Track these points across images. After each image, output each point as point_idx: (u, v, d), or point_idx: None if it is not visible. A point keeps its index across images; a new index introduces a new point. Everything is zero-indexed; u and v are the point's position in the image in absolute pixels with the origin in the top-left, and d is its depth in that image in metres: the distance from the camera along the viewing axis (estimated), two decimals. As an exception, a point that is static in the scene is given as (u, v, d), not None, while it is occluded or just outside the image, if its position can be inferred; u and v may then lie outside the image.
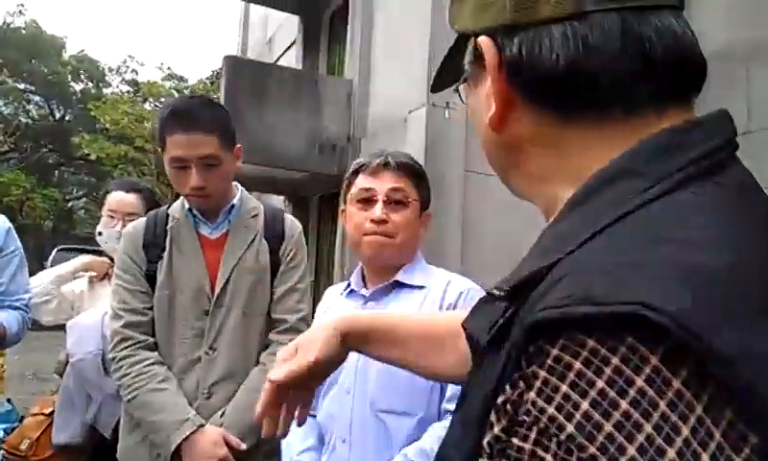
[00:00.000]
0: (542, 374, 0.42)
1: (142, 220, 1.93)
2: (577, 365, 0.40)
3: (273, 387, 0.93)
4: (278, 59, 10.81)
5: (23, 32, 23.90)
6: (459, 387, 1.29)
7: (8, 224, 2.01)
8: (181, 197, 1.90)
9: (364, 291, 1.58)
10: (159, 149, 1.82)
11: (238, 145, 1.87)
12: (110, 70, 26.65)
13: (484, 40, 0.57)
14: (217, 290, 1.80)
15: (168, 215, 1.90)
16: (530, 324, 0.43)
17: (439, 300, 1.51)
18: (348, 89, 7.79)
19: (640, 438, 0.37)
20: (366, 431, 1.44)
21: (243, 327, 1.81)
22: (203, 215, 1.87)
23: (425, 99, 6.00)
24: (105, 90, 25.38)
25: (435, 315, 1.30)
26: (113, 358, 1.79)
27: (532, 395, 0.42)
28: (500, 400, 0.45)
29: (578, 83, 0.53)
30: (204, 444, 1.66)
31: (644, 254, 0.44)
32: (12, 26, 23.98)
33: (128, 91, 25.03)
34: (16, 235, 2.04)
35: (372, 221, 1.51)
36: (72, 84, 25.47)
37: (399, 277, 1.55)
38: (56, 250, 11.06)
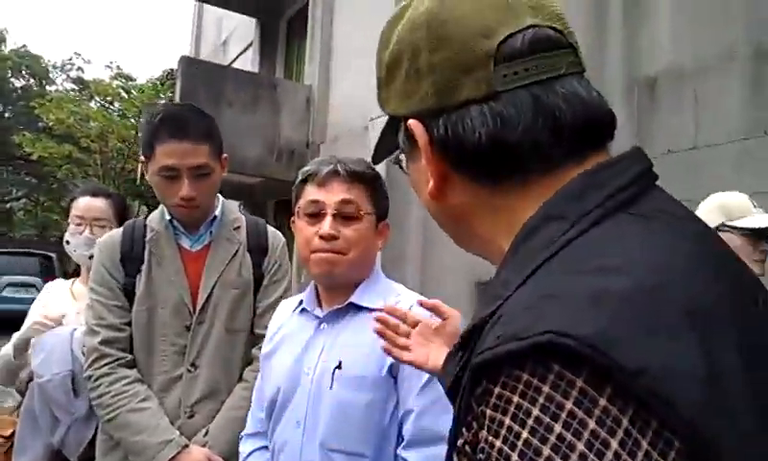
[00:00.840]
0: (488, 412, 0.46)
1: (118, 231, 1.85)
2: (515, 398, 0.44)
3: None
4: (233, 61, 10.68)
5: (-41, 24, 22.91)
6: (418, 433, 1.33)
7: None
8: (160, 207, 1.83)
9: (318, 312, 1.44)
10: (144, 157, 1.74)
11: (224, 155, 1.80)
12: (55, 67, 25.76)
13: (413, 123, 0.62)
14: (198, 305, 1.74)
15: (146, 226, 1.81)
16: (471, 368, 0.48)
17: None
18: (307, 94, 7.76)
19: (574, 457, 0.41)
20: None
21: (225, 343, 1.75)
22: (184, 227, 1.81)
23: (386, 106, 6.03)
24: (48, 88, 24.50)
25: None
26: (90, 377, 1.72)
27: (483, 433, 0.46)
28: (460, 442, 0.50)
29: (500, 153, 0.59)
30: None
31: (560, 286, 0.48)
32: (-53, 18, 22.93)
33: (73, 89, 24.24)
34: None
35: (321, 237, 1.36)
36: (12, 80, 24.47)
37: (355, 298, 1.40)
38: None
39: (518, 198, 0.61)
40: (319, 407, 1.34)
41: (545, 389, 0.43)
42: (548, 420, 0.42)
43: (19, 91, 24.43)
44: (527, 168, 0.60)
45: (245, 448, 1.53)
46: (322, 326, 1.42)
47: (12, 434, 2.00)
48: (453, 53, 0.59)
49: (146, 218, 1.86)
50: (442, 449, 1.19)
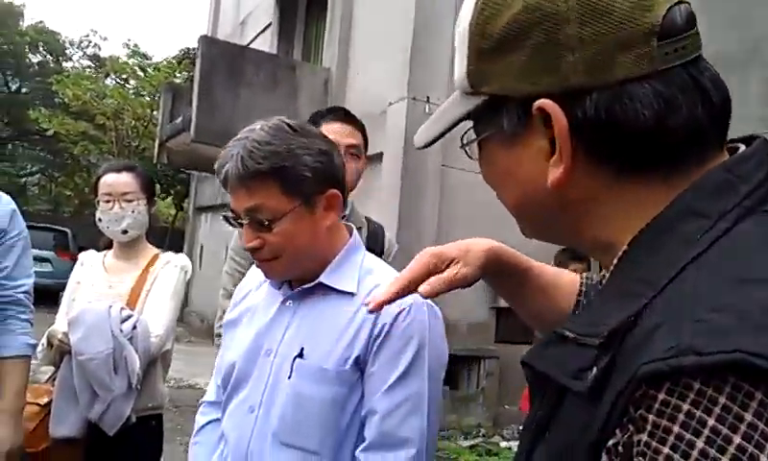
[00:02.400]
0: (651, 417, 0.45)
1: None
2: (685, 407, 0.43)
3: (406, 289, 0.90)
4: (251, 42, 10.66)
5: (-23, -2, 22.95)
6: (380, 438, 1.18)
7: (12, 205, 1.95)
8: None
9: (284, 289, 1.32)
10: None
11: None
12: (71, 43, 25.79)
13: (549, 104, 0.56)
14: None
15: None
16: (641, 376, 0.46)
17: (372, 316, 1.18)
18: (326, 77, 7.75)
19: None
20: None
21: None
22: None
23: (406, 92, 6.02)
24: (65, 64, 24.55)
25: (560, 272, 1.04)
26: (218, 335, 1.87)
27: (644, 437, 0.45)
28: (611, 442, 0.48)
29: (663, 138, 0.55)
30: None
31: (732, 297, 0.47)
32: (-35, -9, 23.01)
33: (89, 66, 24.28)
34: (21, 218, 1.98)
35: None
36: (29, 55, 24.55)
37: (324, 278, 1.26)
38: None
39: (655, 190, 0.57)
40: (277, 395, 1.23)
41: (722, 399, 0.42)
42: (726, 430, 0.42)
43: (36, 67, 24.51)
44: (681, 157, 0.56)
45: (201, 417, 1.46)
46: (287, 303, 1.30)
47: (48, 403, 2.04)
48: (612, 26, 0.54)
49: None
50: (401, 455, 1.16)
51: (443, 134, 0.67)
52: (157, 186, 16.55)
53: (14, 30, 23.47)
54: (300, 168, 1.19)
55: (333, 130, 1.93)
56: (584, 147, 0.57)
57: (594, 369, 0.51)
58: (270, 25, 10.03)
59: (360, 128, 2.04)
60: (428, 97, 6.01)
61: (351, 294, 1.25)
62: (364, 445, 1.19)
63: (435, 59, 6.00)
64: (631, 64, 0.54)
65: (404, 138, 5.96)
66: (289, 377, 1.21)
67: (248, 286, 1.45)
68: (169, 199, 18.18)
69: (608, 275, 0.62)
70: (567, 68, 0.55)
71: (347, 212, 1.97)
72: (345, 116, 2.04)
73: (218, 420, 1.39)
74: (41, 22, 25.16)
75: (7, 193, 2.00)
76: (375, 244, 1.98)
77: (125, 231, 2.24)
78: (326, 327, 1.23)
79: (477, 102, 0.62)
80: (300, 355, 1.22)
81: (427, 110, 5.97)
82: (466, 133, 0.68)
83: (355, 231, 1.39)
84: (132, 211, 2.24)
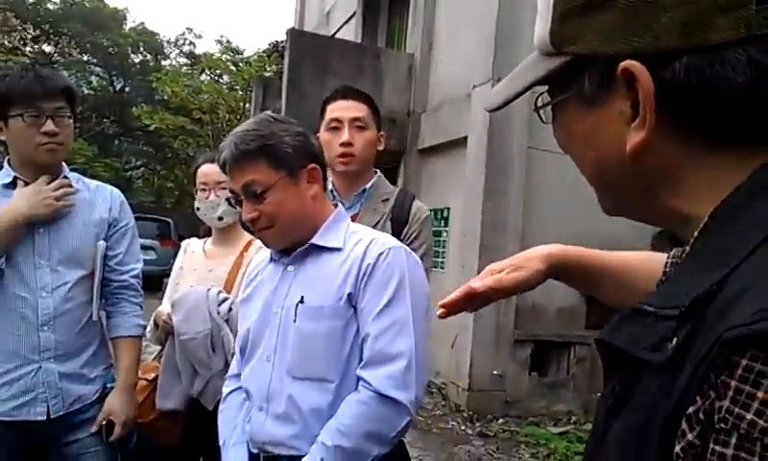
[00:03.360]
0: (734, 383, 0.44)
1: None
2: None
3: (469, 291, 0.96)
4: (337, 31, 10.84)
5: (86, 5, 24.55)
6: (374, 355, 1.38)
7: (122, 197, 2.13)
8: (330, 181, 2.09)
9: (284, 258, 1.55)
10: (320, 117, 2.12)
11: (382, 132, 2.13)
12: (169, 42, 27.21)
13: (636, 65, 0.54)
14: None
15: None
16: (724, 341, 0.45)
17: (359, 260, 1.44)
18: (410, 63, 7.77)
19: None
20: (281, 399, 1.43)
21: None
22: (340, 195, 2.08)
23: (491, 74, 5.94)
24: (163, 62, 25.95)
25: (628, 255, 1.10)
26: None
27: (726, 403, 0.44)
28: (691, 409, 0.47)
29: (753, 108, 0.53)
30: None
31: None
32: (76, 0, 24.69)
33: (185, 63, 25.54)
34: (129, 208, 2.15)
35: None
36: (132, 55, 26.08)
37: (315, 239, 1.51)
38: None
39: (740, 161, 0.55)
40: (285, 341, 1.45)
41: None
42: None
43: (138, 66, 26.00)
44: (763, 130, 0.54)
45: (225, 388, 1.67)
46: (288, 268, 1.53)
47: (155, 378, 2.22)
48: None
49: None
50: (394, 368, 1.35)
51: (517, 96, 0.66)
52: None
53: (118, 32, 25.00)
54: (281, 146, 1.45)
55: (337, 107, 2.07)
56: (668, 113, 0.55)
57: (674, 340, 0.50)
58: (354, 14, 10.14)
59: (365, 101, 2.10)
60: (514, 78, 5.89)
61: (339, 249, 1.49)
62: (362, 363, 1.41)
63: (520, 38, 5.88)
64: (727, 28, 0.51)
65: (489, 121, 5.89)
66: (294, 321, 1.44)
67: (257, 268, 1.67)
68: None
69: (688, 248, 0.60)
70: (660, 29, 0.53)
71: (370, 184, 2.09)
72: (347, 92, 2.12)
73: (239, 389, 1.60)
74: (142, 24, 26.69)
75: (116, 186, 2.17)
76: (401, 212, 2.06)
77: (220, 218, 2.38)
78: (321, 276, 1.47)
79: (557, 63, 0.61)
80: (301, 301, 1.45)
81: (513, 92, 5.85)
82: (539, 96, 0.67)
83: (340, 205, 1.65)
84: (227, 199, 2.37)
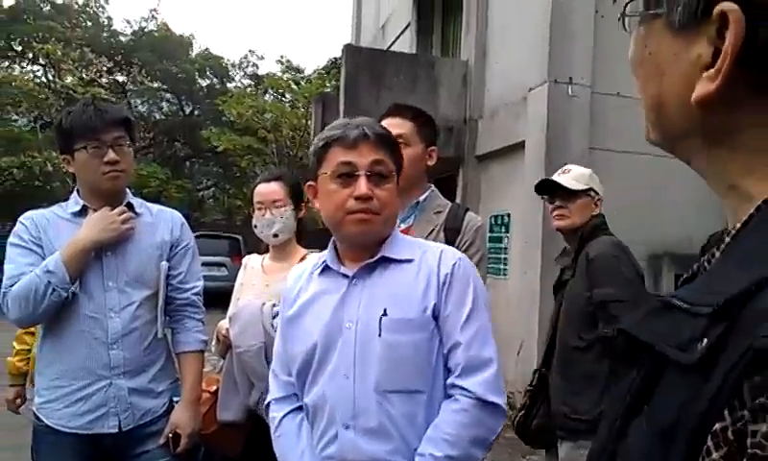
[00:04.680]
0: None
1: None
2: None
3: None
4: (392, 44, 10.94)
5: (155, 35, 25.73)
6: (470, 362, 1.39)
7: (182, 219, 2.26)
8: None
9: (344, 270, 1.51)
10: None
11: (433, 147, 2.16)
12: (233, 65, 28.08)
13: (734, 10, 0.50)
14: None
15: None
16: (757, 349, 0.41)
17: (435, 271, 1.46)
18: (464, 70, 7.75)
19: None
20: (372, 415, 1.40)
21: None
22: None
23: (546, 75, 5.85)
24: (228, 85, 26.82)
25: None
26: None
27: (764, 428, 0.41)
28: (718, 426, 0.44)
29: None
30: None
31: None
32: (146, 30, 25.94)
33: (249, 85, 26.32)
34: (189, 228, 2.27)
35: (357, 198, 1.43)
36: (199, 80, 27.10)
37: (386, 252, 1.49)
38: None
39: None
40: (367, 355, 1.42)
41: None
42: None
43: (205, 90, 26.97)
44: None
45: (276, 413, 1.58)
46: (354, 281, 1.49)
47: (216, 391, 2.32)
48: None
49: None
50: (488, 373, 1.37)
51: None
52: (314, 191, 17.59)
53: (185, 59, 26.05)
54: (399, 152, 1.55)
55: (387, 125, 2.05)
56: (750, 74, 0.51)
57: (704, 340, 0.46)
58: (408, 26, 10.22)
59: (410, 117, 2.12)
60: (571, 78, 5.80)
61: (410, 261, 1.50)
62: (457, 372, 1.42)
63: (574, 38, 5.78)
64: None
65: (546, 123, 5.80)
66: (379, 335, 1.42)
67: (296, 284, 1.62)
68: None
69: (728, 239, 0.55)
70: None
71: (423, 197, 2.11)
72: (393, 110, 2.16)
73: (292, 411, 1.56)
74: (207, 49, 27.64)
75: (188, 206, 2.31)
76: (455, 222, 2.09)
77: (276, 235, 2.47)
78: (398, 288, 1.46)
79: None
80: (385, 314, 1.43)
81: (570, 92, 5.76)
82: (630, 1, 0.62)
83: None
84: (281, 217, 2.45)
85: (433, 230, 2.05)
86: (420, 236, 2.02)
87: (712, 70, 0.52)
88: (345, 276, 1.51)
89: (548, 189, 2.60)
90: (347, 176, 1.46)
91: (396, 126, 2.08)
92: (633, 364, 0.57)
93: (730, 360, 0.43)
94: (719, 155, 0.56)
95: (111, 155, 1.97)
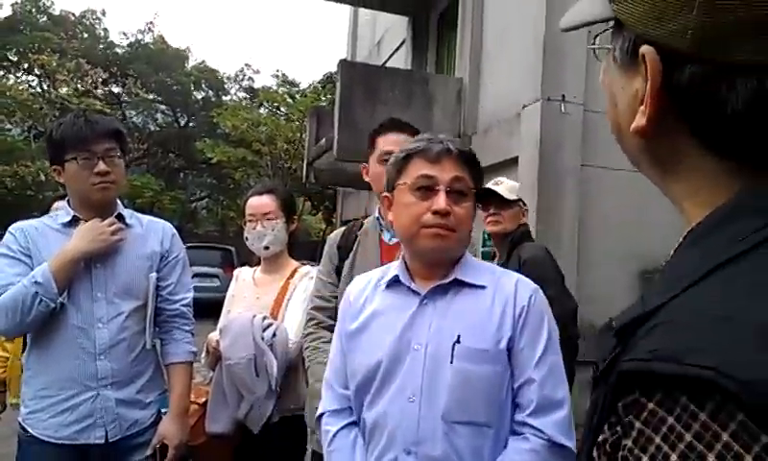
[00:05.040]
0: (638, 425, 0.45)
1: (343, 227, 2.29)
2: (670, 420, 0.43)
3: None
4: (388, 60, 11.01)
5: (151, 47, 25.84)
6: (543, 401, 1.35)
7: (173, 230, 2.26)
8: (376, 209, 2.17)
9: (415, 287, 1.46)
10: (369, 149, 2.18)
11: None
12: (228, 79, 28.23)
13: (650, 53, 0.54)
14: None
15: (362, 224, 2.20)
16: (619, 372, 0.47)
17: (511, 301, 1.41)
18: (458, 87, 7.81)
19: None
20: (437, 443, 1.35)
21: None
22: (386, 221, 2.10)
23: (539, 93, 5.91)
24: (224, 98, 26.92)
25: None
26: (303, 333, 2.15)
27: (629, 442, 0.46)
28: (601, 438, 0.50)
29: (748, 131, 0.52)
30: None
31: (734, 307, 0.45)
32: (142, 42, 26.03)
33: (245, 98, 26.42)
34: (180, 240, 2.27)
35: (435, 212, 1.40)
36: (194, 92, 27.19)
37: (459, 274, 1.45)
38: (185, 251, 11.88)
39: (734, 178, 0.54)
40: (436, 381, 1.36)
41: (702, 416, 0.42)
42: (701, 448, 0.41)
43: (200, 102, 27.06)
44: (761, 155, 0.53)
45: (329, 426, 1.53)
46: (425, 301, 1.44)
47: (205, 402, 2.31)
48: (745, 4, 0.48)
49: (364, 218, 2.25)
50: (560, 414, 1.32)
51: (584, 25, 0.64)
52: (308, 204, 17.52)
53: (181, 71, 26.14)
54: (481, 172, 1.52)
55: (390, 141, 2.09)
56: (675, 109, 0.54)
57: (608, 359, 0.51)
58: (404, 42, 10.30)
59: (413, 133, 2.11)
60: (563, 95, 5.85)
61: (483, 287, 1.44)
62: (529, 410, 1.36)
63: (569, 55, 5.83)
64: (753, 52, 0.49)
65: (539, 140, 5.85)
66: (451, 362, 1.36)
67: (362, 295, 1.57)
68: (319, 214, 19.17)
69: (667, 262, 0.59)
70: (684, 27, 0.51)
71: None
72: (396, 125, 2.16)
73: (347, 425, 1.51)
74: (203, 62, 27.79)
75: (181, 217, 2.31)
76: None
77: (266, 248, 2.47)
78: (472, 315, 1.40)
79: (610, 13, 0.60)
80: (458, 342, 1.37)
81: (563, 110, 5.81)
82: (597, 35, 0.67)
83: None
84: (273, 230, 2.46)
85: None
86: None
87: (644, 105, 0.56)
88: (415, 293, 1.46)
89: (482, 198, 2.85)
90: (426, 189, 1.43)
91: (405, 143, 2.09)
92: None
93: (611, 380, 0.49)
94: (667, 180, 0.60)
95: (102, 166, 1.97)
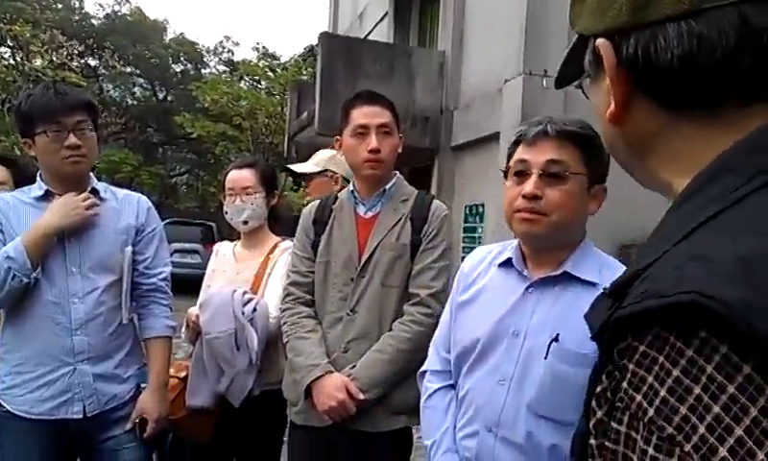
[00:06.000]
0: (631, 366, 0.47)
1: (318, 201, 2.26)
2: (660, 359, 0.45)
3: None
4: (369, 33, 10.89)
5: (128, 19, 25.26)
6: None
7: (149, 204, 2.22)
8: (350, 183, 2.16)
9: (526, 273, 1.46)
10: (343, 122, 2.13)
11: (400, 135, 2.15)
12: (208, 51, 27.75)
13: (601, 42, 0.59)
14: (362, 262, 2.01)
15: (337, 197, 2.18)
16: (614, 320, 0.49)
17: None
18: (441, 60, 7.76)
19: (709, 418, 0.42)
20: (518, 430, 1.37)
21: (380, 295, 2.00)
22: (361, 196, 2.12)
23: (521, 68, 5.89)
24: (203, 71, 26.49)
25: None
26: (281, 308, 2.15)
27: (624, 384, 0.48)
28: (599, 388, 0.52)
29: (691, 80, 0.55)
30: (328, 387, 1.90)
31: (713, 246, 0.47)
32: (119, 14, 25.46)
33: (224, 71, 26.01)
34: (156, 214, 2.24)
35: (524, 197, 1.38)
36: (173, 65, 26.71)
37: (569, 268, 1.41)
38: (163, 224, 11.78)
39: (702, 135, 0.57)
40: (529, 372, 1.37)
41: (688, 352, 0.44)
42: (688, 381, 0.43)
43: (179, 76, 26.61)
44: (714, 103, 0.56)
45: (430, 384, 1.62)
46: (530, 290, 1.44)
47: (186, 377, 2.30)
48: None
49: (340, 191, 2.22)
50: None
51: (564, 74, 0.73)
52: (290, 180, 17.44)
53: (159, 44, 25.64)
54: (598, 150, 1.38)
55: (363, 113, 2.06)
56: (636, 85, 0.59)
57: (606, 317, 0.53)
58: (386, 15, 10.19)
59: (388, 106, 2.10)
60: (546, 70, 5.84)
61: (594, 284, 1.38)
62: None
63: (551, 30, 5.81)
64: (671, 2, 0.54)
65: (521, 115, 5.84)
66: (545, 358, 1.35)
67: (476, 269, 1.60)
68: (301, 190, 19.08)
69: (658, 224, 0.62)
70: (618, 6, 0.57)
71: (390, 185, 2.10)
72: (371, 98, 2.12)
73: (445, 387, 1.60)
74: (182, 34, 27.25)
75: (160, 192, 2.27)
76: (421, 211, 2.07)
77: (245, 222, 2.45)
78: (575, 314, 1.31)
79: (574, 42, 0.67)
80: (556, 340, 1.35)
81: (545, 84, 5.80)
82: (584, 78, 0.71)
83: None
84: (251, 204, 2.43)
85: (400, 219, 2.04)
86: (386, 225, 2.03)
87: (611, 92, 0.61)
88: (524, 279, 1.47)
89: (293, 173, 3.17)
90: (522, 173, 1.41)
91: (379, 115, 2.07)
92: None
93: (608, 331, 0.51)
94: (650, 165, 0.64)
95: (72, 139, 1.92)
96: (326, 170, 2.96)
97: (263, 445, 2.36)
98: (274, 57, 21.84)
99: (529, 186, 1.37)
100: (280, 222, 2.66)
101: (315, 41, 15.16)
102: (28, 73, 18.01)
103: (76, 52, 21.24)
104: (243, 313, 2.18)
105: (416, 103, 7.56)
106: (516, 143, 1.45)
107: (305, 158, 3.33)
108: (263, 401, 2.25)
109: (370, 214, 2.09)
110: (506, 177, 1.47)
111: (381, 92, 2.19)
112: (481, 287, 1.54)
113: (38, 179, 2.04)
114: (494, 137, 6.36)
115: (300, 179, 3.20)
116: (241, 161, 2.63)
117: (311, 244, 2.13)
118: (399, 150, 2.14)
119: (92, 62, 24.04)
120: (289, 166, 3.12)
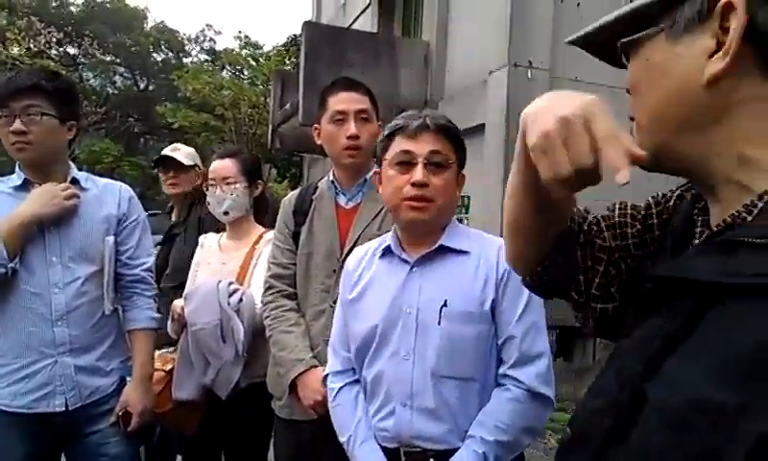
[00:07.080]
0: None
1: (297, 191, 2.25)
2: None
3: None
4: (353, 22, 10.82)
5: (107, 6, 24.91)
6: (522, 355, 1.47)
7: (131, 193, 2.17)
8: (330, 171, 2.13)
9: (405, 256, 1.59)
10: (321, 110, 2.09)
11: (380, 122, 2.11)
12: (189, 40, 27.46)
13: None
14: (344, 253, 1.97)
15: (317, 187, 2.16)
16: None
17: (494, 265, 1.53)
18: (425, 51, 7.73)
19: None
20: (428, 396, 1.49)
21: None
22: (342, 186, 2.09)
23: (506, 59, 5.88)
24: (184, 60, 26.21)
25: None
26: (262, 302, 2.12)
27: None
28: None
29: None
30: (312, 381, 1.90)
31: None
32: (98, 1, 25.04)
33: (206, 60, 25.74)
34: (139, 203, 2.19)
35: (413, 185, 1.50)
36: (154, 54, 26.41)
37: (444, 241, 1.56)
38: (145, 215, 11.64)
39: None
40: (426, 341, 1.50)
41: None
42: None
43: (160, 65, 26.31)
44: None
45: (334, 384, 1.69)
46: (414, 269, 1.57)
47: (172, 370, 2.27)
48: None
49: (319, 180, 2.18)
50: (540, 365, 1.60)
51: (617, 20, 0.69)
52: (274, 170, 17.30)
53: (140, 32, 25.30)
54: (464, 143, 1.61)
55: (341, 99, 2.04)
56: (754, 52, 0.59)
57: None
58: (370, 4, 10.12)
59: (366, 92, 2.08)
60: (530, 61, 5.84)
61: (466, 252, 1.56)
62: (510, 363, 1.51)
63: (535, 23, 5.81)
64: None
65: (506, 106, 5.84)
66: (438, 323, 1.50)
67: (359, 266, 1.70)
68: (285, 182, 18.97)
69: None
70: None
71: (369, 175, 2.05)
72: (349, 84, 2.09)
73: (349, 383, 1.67)
74: (162, 22, 26.95)
75: (142, 183, 2.22)
76: None
77: (226, 213, 2.42)
78: (457, 279, 1.53)
79: None
80: (445, 305, 1.50)
81: (530, 76, 5.80)
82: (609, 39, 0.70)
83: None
84: (232, 194, 2.40)
85: (382, 209, 2.00)
86: (368, 216, 2.00)
87: (720, 52, 0.60)
88: (405, 262, 1.58)
89: (162, 163, 3.23)
90: (406, 164, 1.53)
91: (358, 101, 2.04)
92: (657, 311, 0.62)
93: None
94: (719, 132, 0.62)
95: (16, 124, 1.86)
96: (197, 165, 3.21)
97: (251, 437, 2.33)
98: (256, 46, 21.63)
99: (418, 175, 1.50)
100: (269, 212, 2.63)
101: (298, 31, 15.06)
102: (4, 61, 17.66)
103: (54, 40, 20.85)
104: (229, 304, 2.15)
105: (400, 94, 7.52)
106: (391, 136, 1.56)
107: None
108: (250, 394, 2.23)
109: (351, 205, 2.06)
110: (379, 165, 1.60)
111: (365, 82, 2.15)
112: (368, 280, 1.64)
113: (17, 168, 2.00)
114: (480, 129, 6.35)
115: (170, 167, 3.21)
116: (223, 151, 2.60)
117: (291, 235, 2.11)
118: (379, 138, 2.12)
119: (71, 51, 23.66)
120: (166, 153, 3.23)
